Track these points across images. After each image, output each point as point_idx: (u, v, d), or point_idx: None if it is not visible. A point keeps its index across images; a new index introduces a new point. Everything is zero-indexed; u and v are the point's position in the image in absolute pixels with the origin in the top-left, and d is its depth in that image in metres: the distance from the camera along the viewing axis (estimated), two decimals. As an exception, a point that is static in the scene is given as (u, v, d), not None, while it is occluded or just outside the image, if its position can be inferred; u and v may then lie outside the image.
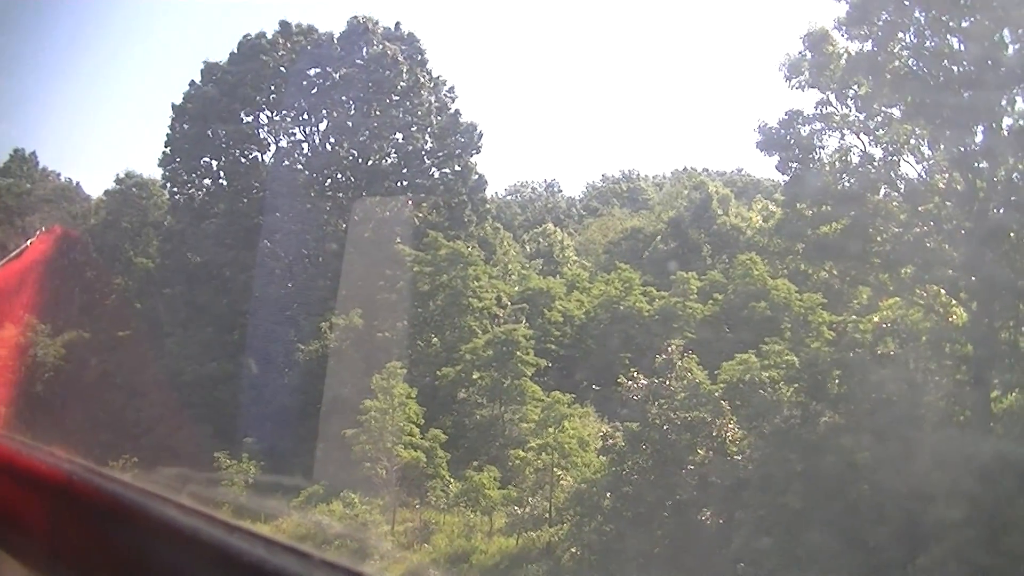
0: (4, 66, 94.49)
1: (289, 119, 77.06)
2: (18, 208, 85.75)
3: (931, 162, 42.43)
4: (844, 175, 43.26)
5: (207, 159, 76.91)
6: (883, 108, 42.03)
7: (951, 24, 39.94)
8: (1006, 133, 39.10)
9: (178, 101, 76.85)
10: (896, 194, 43.06)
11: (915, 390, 39.53)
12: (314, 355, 58.52)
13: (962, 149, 40.31)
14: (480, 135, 79.78)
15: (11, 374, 58.85)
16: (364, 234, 70.52)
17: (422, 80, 78.34)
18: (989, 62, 38.37)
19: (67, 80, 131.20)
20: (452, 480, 47.45)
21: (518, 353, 54.48)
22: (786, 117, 42.83)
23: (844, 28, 41.49)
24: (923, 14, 40.38)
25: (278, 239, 72.70)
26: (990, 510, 34.14)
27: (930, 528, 34.42)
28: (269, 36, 77.60)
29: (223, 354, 63.76)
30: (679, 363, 43.11)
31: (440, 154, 79.12)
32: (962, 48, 39.89)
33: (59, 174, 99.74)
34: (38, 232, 73.05)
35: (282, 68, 76.66)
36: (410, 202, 74.08)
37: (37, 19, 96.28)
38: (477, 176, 79.45)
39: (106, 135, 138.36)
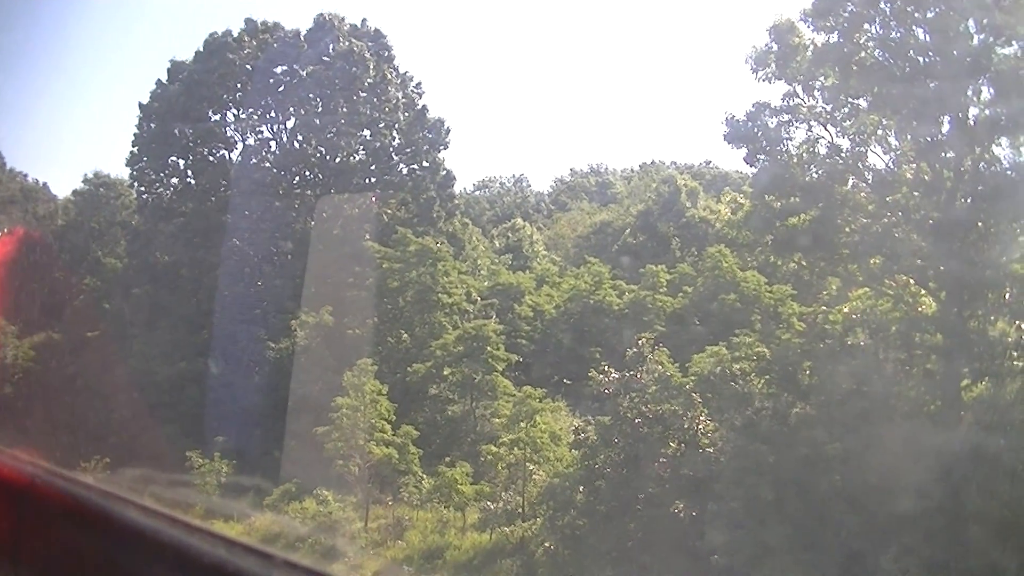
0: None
1: (256, 117, 76.84)
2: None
3: (898, 153, 42.52)
4: (812, 166, 43.31)
5: (174, 158, 76.63)
6: (850, 99, 42.10)
7: (916, 15, 40.00)
8: (972, 123, 39.18)
9: (145, 100, 76.64)
10: (864, 185, 43.12)
11: (885, 380, 39.66)
12: (284, 353, 58.40)
13: (929, 139, 40.42)
14: (448, 131, 79.90)
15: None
16: (332, 231, 70.49)
17: (389, 76, 78.22)
18: (954, 52, 38.47)
19: (33, 80, 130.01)
20: (425, 476, 47.40)
21: (488, 348, 54.60)
22: (753, 109, 42.79)
23: (810, 19, 41.51)
24: (888, 5, 40.46)
25: (246, 237, 72.49)
26: (959, 499, 34.28)
27: (901, 518, 34.51)
28: (235, 34, 77.37)
29: (191, 354, 63.52)
30: (650, 356, 43.15)
31: (408, 150, 79.09)
32: (927, 39, 39.96)
33: (26, 175, 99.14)
34: (0, 234, 72.70)
35: (248, 66, 76.40)
36: (378, 199, 74.04)
37: (2, 20, 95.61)
38: (445, 172, 79.53)
39: (73, 135, 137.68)
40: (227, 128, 77.72)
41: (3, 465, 4.24)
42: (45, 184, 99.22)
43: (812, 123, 42.80)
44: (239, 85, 76.63)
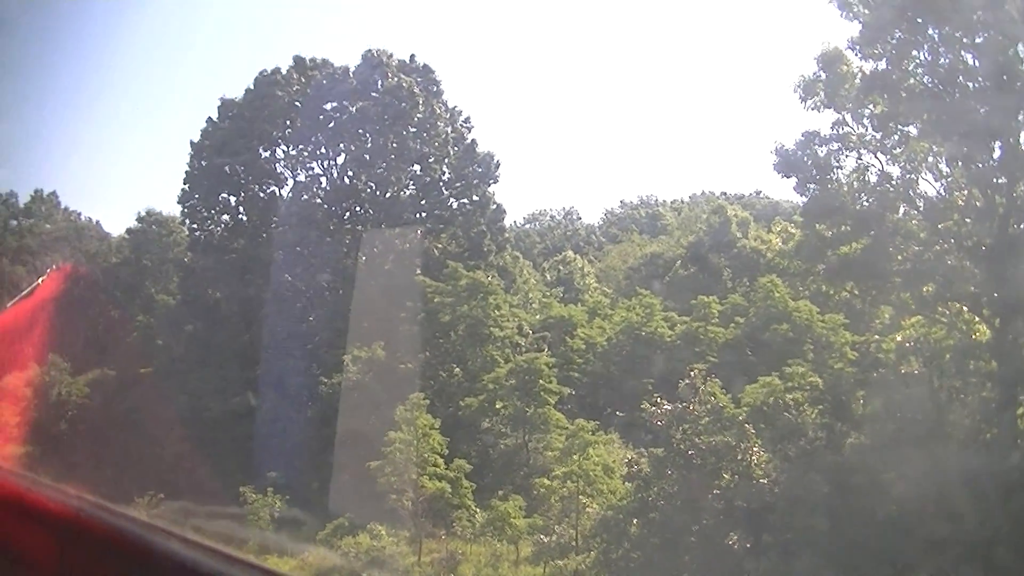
0: (25, 107, 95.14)
1: (306, 153, 77.20)
2: (36, 248, 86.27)
3: (949, 179, 42.26)
4: (862, 195, 43.12)
5: (225, 195, 77.09)
6: (899, 126, 41.90)
7: (965, 40, 39.84)
8: (1023, 147, 38.94)
9: (196, 138, 77.22)
10: (915, 212, 42.90)
11: (940, 408, 39.34)
12: (334, 388, 58.36)
13: (980, 165, 40.20)
14: (497, 164, 79.96)
15: (31, 412, 58.99)
16: (382, 266, 70.66)
17: (438, 111, 78.48)
18: (1004, 77, 38.26)
19: (87, 120, 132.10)
20: (478, 510, 47.31)
21: (541, 381, 54.43)
22: (802, 138, 42.69)
23: (858, 47, 41.40)
24: (936, 31, 40.31)
25: (296, 273, 72.73)
26: (1018, 526, 33.90)
27: (958, 545, 34.18)
28: (284, 72, 77.90)
29: (242, 389, 63.71)
30: (702, 387, 42.91)
31: (458, 184, 79.20)
32: (976, 64, 39.79)
33: (79, 213, 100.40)
34: (49, 271, 73.40)
35: (297, 103, 76.84)
36: (428, 233, 74.22)
37: (57, 61, 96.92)
38: (495, 205, 79.57)
39: (126, 174, 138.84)
40: (277, 164, 78.16)
41: (50, 499, 4.25)
42: (97, 222, 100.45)
43: (862, 151, 42.63)
44: (288, 122, 77.06)
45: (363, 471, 46.51)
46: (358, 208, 77.40)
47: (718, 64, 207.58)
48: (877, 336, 45.44)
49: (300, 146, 77.34)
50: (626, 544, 41.81)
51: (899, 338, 42.76)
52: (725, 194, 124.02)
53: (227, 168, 75.35)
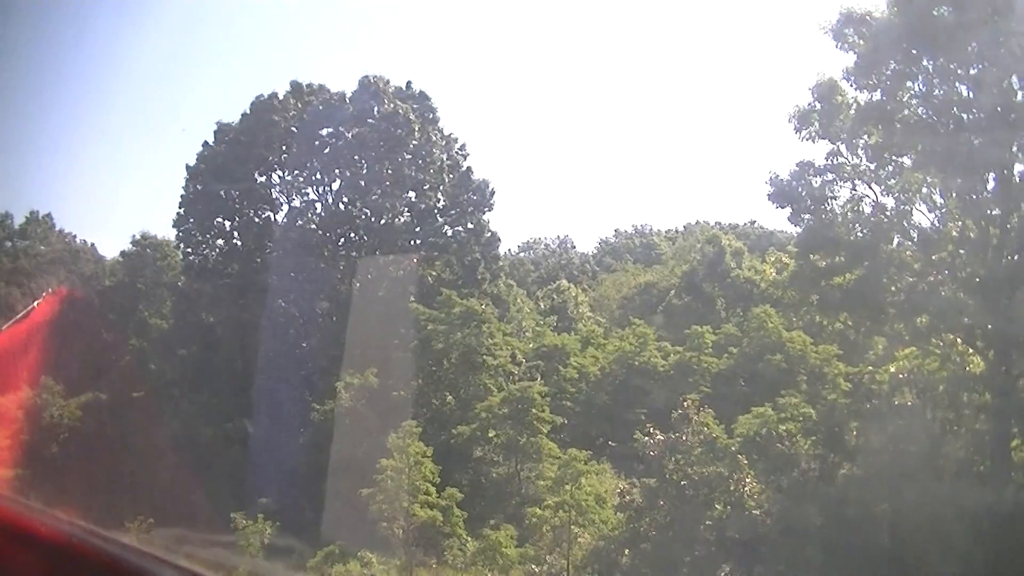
0: (21, 129, 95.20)
1: (301, 179, 77.28)
2: (30, 270, 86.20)
3: (943, 210, 42.32)
4: (857, 225, 43.18)
5: (220, 219, 77.15)
6: (894, 157, 42.01)
7: (959, 72, 40.00)
8: (1017, 179, 39.05)
9: (192, 162, 77.28)
10: (909, 243, 42.96)
11: (934, 440, 39.31)
12: (327, 414, 58.22)
13: (974, 196, 40.28)
14: (492, 192, 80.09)
15: (23, 435, 58.87)
16: (376, 292, 70.69)
17: (434, 138, 78.63)
18: (998, 109, 38.36)
19: (83, 142, 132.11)
20: (469, 539, 47.09)
21: (533, 410, 54.31)
22: (797, 169, 42.80)
23: (852, 78, 41.54)
24: (931, 62, 40.44)
25: (290, 298, 72.76)
26: (1011, 559, 33.83)
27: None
28: (280, 96, 78.05)
29: (234, 414, 63.64)
30: (695, 418, 42.87)
31: (453, 212, 79.32)
32: (971, 96, 39.88)
33: (74, 235, 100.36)
34: (45, 294, 73.36)
35: (293, 128, 76.96)
36: (422, 260, 74.26)
37: (53, 83, 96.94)
38: (490, 233, 79.62)
39: (121, 197, 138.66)
40: (272, 189, 78.28)
41: (42, 524, 4.22)
42: (92, 245, 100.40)
43: (856, 181, 42.74)
44: (284, 147, 77.18)
45: (355, 498, 46.34)
46: (353, 234, 77.52)
47: (713, 94, 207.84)
48: (871, 367, 45.41)
49: (296, 171, 77.43)
50: (617, 574, 41.70)
51: (893, 369, 42.74)
52: (720, 224, 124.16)
53: (222, 192, 75.45)
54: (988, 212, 40.13)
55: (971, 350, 40.76)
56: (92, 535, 4.12)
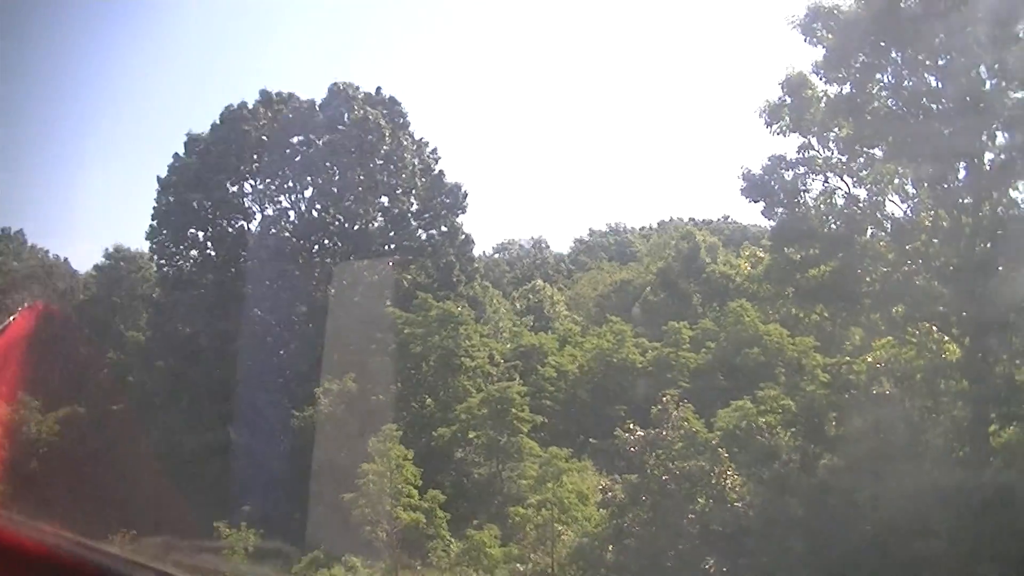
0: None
1: (274, 187, 77.21)
2: (4, 287, 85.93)
3: (916, 200, 42.44)
4: (830, 217, 43.24)
5: (193, 230, 77.09)
6: (865, 149, 42.09)
7: (927, 63, 40.12)
8: (988, 167, 39.17)
9: (163, 173, 77.10)
10: (883, 233, 43.03)
11: (913, 428, 39.43)
12: (308, 421, 58.18)
13: (945, 186, 40.41)
14: (465, 195, 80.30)
15: (2, 451, 58.70)
16: (352, 298, 70.60)
17: (405, 143, 78.72)
18: (967, 98, 38.48)
19: (52, 157, 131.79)
20: (453, 540, 47.09)
21: (513, 410, 54.41)
22: (769, 163, 42.76)
23: (822, 71, 41.55)
24: (899, 54, 40.55)
25: (266, 306, 72.72)
26: (993, 540, 33.99)
27: (937, 563, 34.26)
28: (250, 105, 77.95)
29: (215, 424, 63.57)
30: (675, 413, 42.91)
31: (426, 215, 79.47)
32: (939, 85, 40.01)
33: (47, 251, 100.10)
34: (19, 309, 73.16)
35: (264, 137, 76.92)
36: (397, 264, 74.26)
37: (21, 98, 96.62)
38: (464, 236, 79.81)
39: (93, 210, 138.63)
40: (245, 198, 78.24)
41: (26, 536, 4.23)
42: (66, 259, 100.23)
43: (828, 174, 42.76)
44: (255, 156, 77.14)
45: (338, 503, 46.29)
46: (327, 241, 77.56)
47: (684, 91, 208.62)
48: (848, 358, 45.44)
49: (268, 180, 77.38)
50: (602, 571, 41.76)
51: (870, 359, 42.77)
52: (693, 220, 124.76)
53: (195, 203, 75.36)
54: (960, 201, 40.26)
55: (947, 338, 40.92)
56: (78, 546, 4.14)
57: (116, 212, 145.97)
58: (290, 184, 77.37)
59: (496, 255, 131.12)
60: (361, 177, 75.81)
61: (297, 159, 76.62)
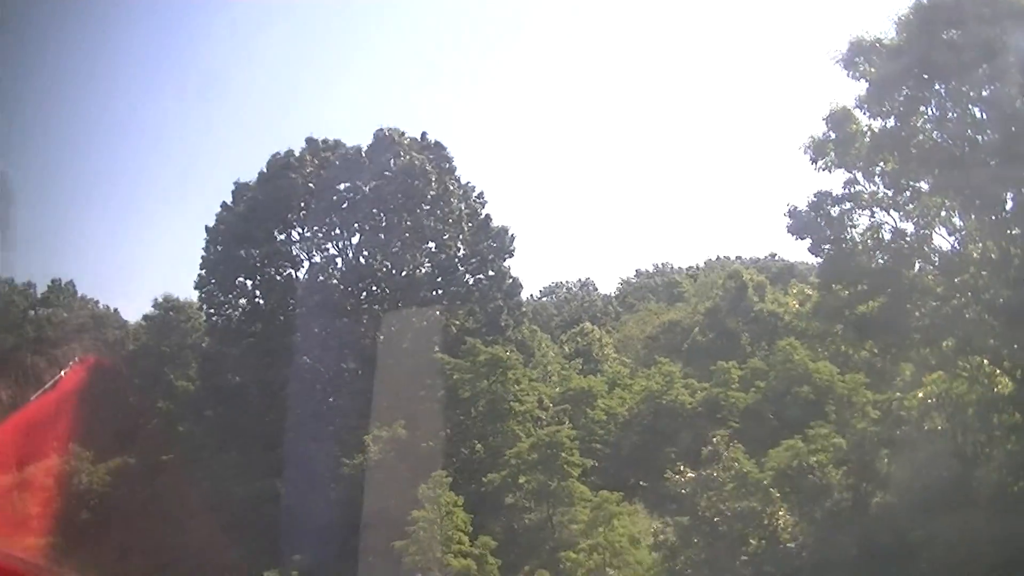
0: (43, 197, 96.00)
1: (321, 234, 77.42)
2: (55, 338, 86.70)
3: (963, 233, 41.97)
4: (877, 252, 42.84)
5: (242, 279, 77.40)
6: (911, 183, 41.73)
7: (971, 94, 39.76)
8: (1035, 199, 38.85)
9: (211, 223, 77.58)
10: (931, 268, 42.60)
11: (966, 464, 38.94)
12: (357, 469, 58.09)
13: (993, 218, 40.01)
14: (512, 239, 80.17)
15: (54, 503, 58.98)
16: (401, 345, 70.58)
17: (451, 188, 78.77)
18: (1013, 128, 38.14)
19: (102, 208, 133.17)
20: (504, 587, 46.95)
21: (563, 454, 54.14)
22: (815, 199, 42.53)
23: (865, 106, 41.30)
24: (943, 86, 40.25)
25: (315, 355, 72.76)
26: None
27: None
28: (296, 153, 78.32)
29: (264, 473, 63.41)
30: (725, 453, 42.77)
31: (473, 260, 79.37)
32: (984, 117, 39.69)
33: (97, 301, 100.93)
34: (72, 363, 73.77)
35: (311, 184, 77.18)
36: (445, 310, 74.28)
37: (72, 151, 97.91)
38: (511, 280, 79.69)
39: (142, 261, 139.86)
40: (292, 247, 78.43)
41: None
42: (116, 310, 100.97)
43: (875, 209, 42.40)
44: (302, 204, 77.36)
45: (389, 551, 46.24)
46: (375, 288, 77.57)
47: (727, 129, 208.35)
48: (899, 394, 45.07)
49: (315, 227, 77.60)
50: (656, 614, 41.50)
51: (921, 395, 42.39)
52: (740, 258, 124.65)
53: (243, 252, 75.74)
54: (1008, 232, 39.84)
55: (998, 371, 40.41)
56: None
57: (166, 262, 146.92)
58: (337, 231, 77.58)
59: (544, 298, 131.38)
60: (408, 223, 75.92)
61: (344, 206, 76.83)
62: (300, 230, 78.32)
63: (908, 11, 40.04)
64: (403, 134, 78.95)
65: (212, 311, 78.55)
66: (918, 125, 41.06)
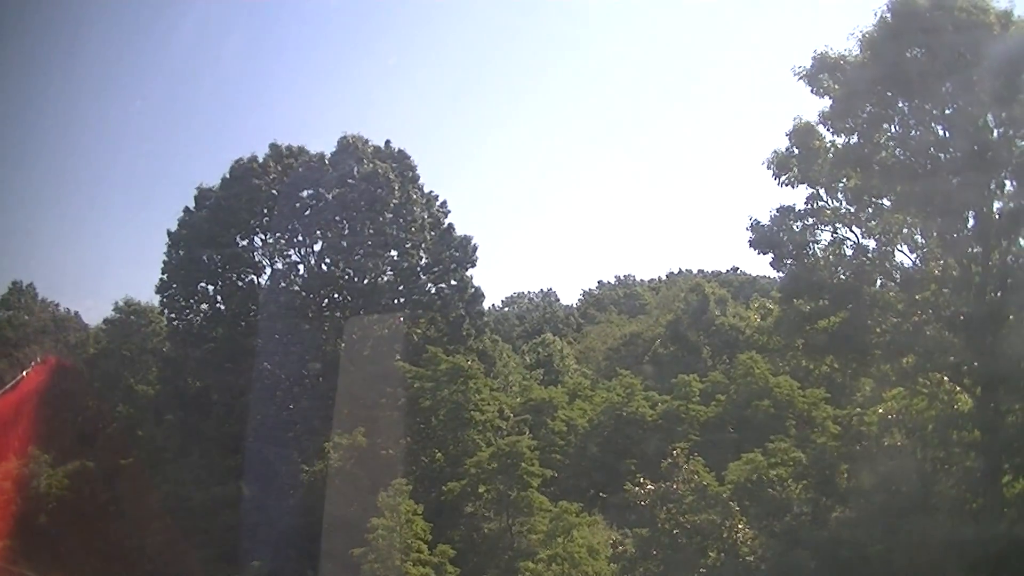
0: (2, 200, 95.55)
1: (283, 241, 77.10)
2: (16, 340, 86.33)
3: (925, 250, 42.28)
4: (839, 268, 43.06)
5: (203, 284, 76.94)
6: (873, 199, 41.98)
7: (934, 112, 40.07)
8: (996, 216, 39.11)
9: (173, 228, 77.21)
10: (892, 284, 42.89)
11: (925, 480, 39.21)
12: (318, 475, 57.97)
13: (954, 236, 40.26)
14: (475, 248, 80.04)
15: (12, 506, 58.63)
16: (362, 352, 70.41)
17: (414, 196, 78.60)
18: (975, 148, 38.44)
19: (63, 211, 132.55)
20: (463, 596, 46.88)
21: (523, 464, 54.08)
22: (777, 214, 42.74)
23: (829, 122, 41.58)
24: (906, 104, 40.53)
25: (276, 361, 72.53)
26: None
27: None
28: (260, 159, 78.01)
29: (225, 478, 63.16)
30: (685, 466, 42.88)
31: (436, 269, 79.23)
32: (946, 135, 39.99)
33: (58, 304, 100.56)
34: (32, 364, 73.37)
35: (274, 191, 76.89)
36: (407, 318, 74.15)
37: (33, 153, 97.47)
38: (473, 289, 79.52)
39: (103, 264, 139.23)
40: (255, 253, 78.06)
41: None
42: (76, 313, 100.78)
43: (837, 225, 42.67)
44: (265, 210, 77.05)
45: (348, 558, 46.07)
46: (337, 295, 77.37)
47: (691, 143, 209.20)
48: (859, 409, 45.39)
49: (278, 234, 77.24)
50: (614, 625, 41.56)
51: (881, 410, 42.69)
52: (702, 271, 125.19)
53: (205, 257, 75.38)
54: (969, 250, 40.09)
55: (958, 388, 40.69)
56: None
57: (127, 266, 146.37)
58: (300, 238, 77.30)
59: (506, 308, 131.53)
60: (371, 231, 75.73)
61: (307, 213, 76.57)
62: (263, 236, 77.97)
63: (872, 28, 40.34)
64: (367, 142, 78.82)
65: (173, 315, 78.15)
66: (881, 142, 41.36)
